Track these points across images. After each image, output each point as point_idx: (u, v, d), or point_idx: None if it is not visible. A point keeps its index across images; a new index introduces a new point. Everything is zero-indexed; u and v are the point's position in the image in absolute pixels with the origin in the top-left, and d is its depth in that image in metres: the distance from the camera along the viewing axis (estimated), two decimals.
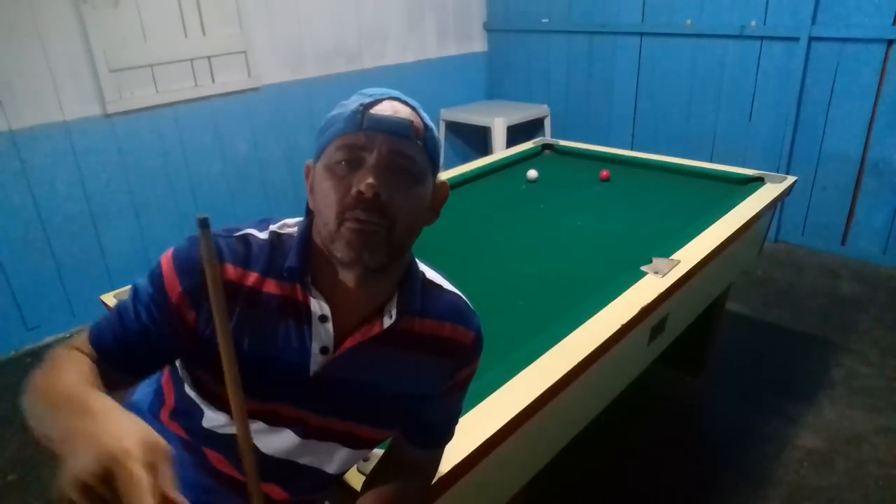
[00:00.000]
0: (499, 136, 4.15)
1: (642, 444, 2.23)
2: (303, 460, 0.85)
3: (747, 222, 1.96)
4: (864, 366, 2.57)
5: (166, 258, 0.79)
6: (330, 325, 0.80)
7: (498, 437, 1.10)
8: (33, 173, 2.76)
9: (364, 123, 0.73)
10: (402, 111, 0.76)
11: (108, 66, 2.88)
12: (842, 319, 2.92)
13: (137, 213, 3.14)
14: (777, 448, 2.15)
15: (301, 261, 0.78)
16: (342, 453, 0.87)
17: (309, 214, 0.82)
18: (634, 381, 1.73)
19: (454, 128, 4.63)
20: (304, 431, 0.83)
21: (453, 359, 0.88)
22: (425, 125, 0.78)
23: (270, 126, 3.60)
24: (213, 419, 0.83)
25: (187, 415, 0.86)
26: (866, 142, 3.32)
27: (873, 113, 3.26)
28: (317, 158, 0.78)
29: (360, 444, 0.88)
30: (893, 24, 3.09)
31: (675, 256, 1.72)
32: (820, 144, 3.49)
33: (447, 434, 0.97)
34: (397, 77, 4.19)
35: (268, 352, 0.79)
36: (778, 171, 2.89)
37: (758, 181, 2.33)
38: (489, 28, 4.76)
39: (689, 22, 3.74)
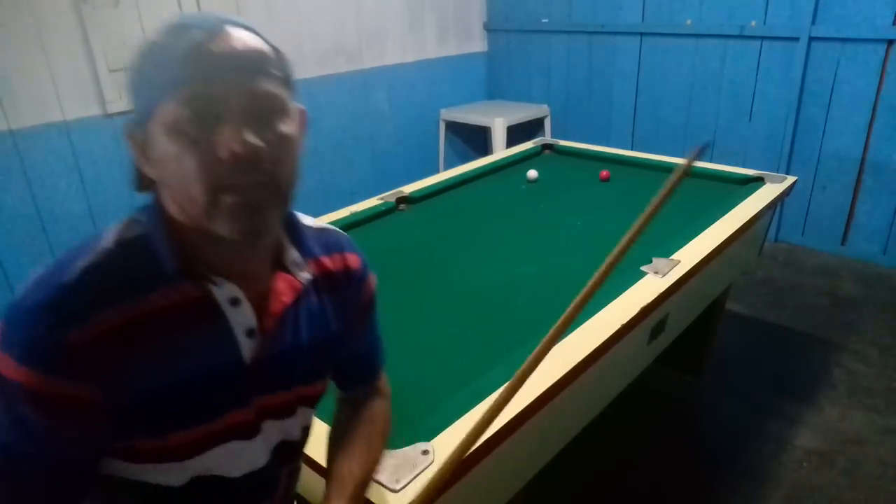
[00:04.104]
0: (499, 136, 4.15)
1: (642, 443, 2.23)
2: (277, 441, 0.82)
3: (747, 222, 1.96)
4: (864, 366, 2.58)
5: (5, 365, 0.60)
6: (245, 305, 0.71)
7: (498, 437, 1.10)
8: (33, 173, 2.76)
9: (209, 65, 0.59)
10: (251, 41, 0.62)
11: (108, 66, 2.88)
12: (842, 319, 2.92)
13: None
14: (777, 448, 2.15)
15: (178, 256, 0.66)
16: (304, 416, 0.86)
17: (150, 191, 0.69)
18: (634, 381, 1.73)
19: (454, 128, 4.63)
20: (267, 420, 0.79)
21: (353, 286, 0.87)
22: (274, 48, 0.65)
23: None
24: (161, 477, 0.73)
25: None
26: (866, 142, 3.32)
27: (873, 113, 3.26)
28: (144, 120, 0.62)
29: (317, 399, 0.88)
30: (893, 24, 3.09)
31: (675, 256, 1.73)
32: (820, 144, 3.49)
33: (381, 357, 0.98)
34: (397, 77, 4.19)
35: (189, 371, 0.68)
36: (778, 171, 2.89)
37: (758, 181, 2.33)
38: (489, 28, 4.76)
39: (689, 22, 3.74)
